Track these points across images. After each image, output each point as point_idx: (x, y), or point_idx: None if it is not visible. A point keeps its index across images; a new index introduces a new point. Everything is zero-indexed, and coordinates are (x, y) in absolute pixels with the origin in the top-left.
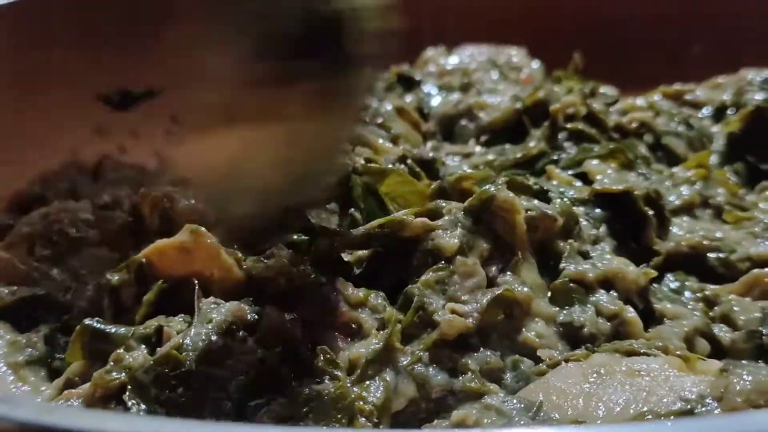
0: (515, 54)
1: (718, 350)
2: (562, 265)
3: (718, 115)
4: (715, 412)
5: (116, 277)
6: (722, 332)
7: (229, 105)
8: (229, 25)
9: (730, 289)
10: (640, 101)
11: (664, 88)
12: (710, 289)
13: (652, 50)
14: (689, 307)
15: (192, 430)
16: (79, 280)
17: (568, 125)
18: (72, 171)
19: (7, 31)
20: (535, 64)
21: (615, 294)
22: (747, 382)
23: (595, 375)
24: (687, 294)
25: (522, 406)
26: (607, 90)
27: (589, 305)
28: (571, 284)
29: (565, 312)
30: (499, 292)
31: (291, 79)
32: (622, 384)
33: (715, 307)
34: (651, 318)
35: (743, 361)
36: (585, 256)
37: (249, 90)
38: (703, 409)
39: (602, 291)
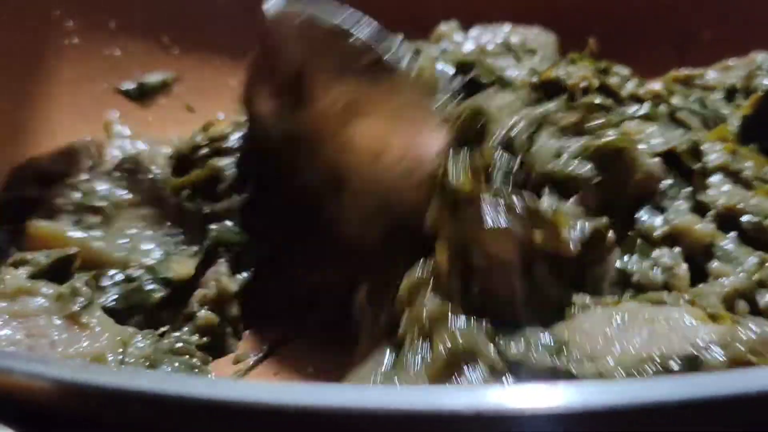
0: (530, 34)
1: (756, 314)
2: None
3: (729, 98)
4: (720, 359)
5: None
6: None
7: None
8: None
9: None
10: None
11: (674, 74)
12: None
13: (663, 36)
14: (738, 270)
15: (220, 385)
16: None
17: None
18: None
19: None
20: (550, 38)
21: (677, 250)
22: (753, 333)
23: (619, 320)
24: (739, 256)
25: (548, 340)
26: (620, 70)
27: (649, 257)
28: (639, 238)
29: (624, 260)
30: None
31: None
32: (641, 328)
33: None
34: (699, 275)
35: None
36: (661, 210)
37: None
38: (708, 355)
39: (665, 247)
